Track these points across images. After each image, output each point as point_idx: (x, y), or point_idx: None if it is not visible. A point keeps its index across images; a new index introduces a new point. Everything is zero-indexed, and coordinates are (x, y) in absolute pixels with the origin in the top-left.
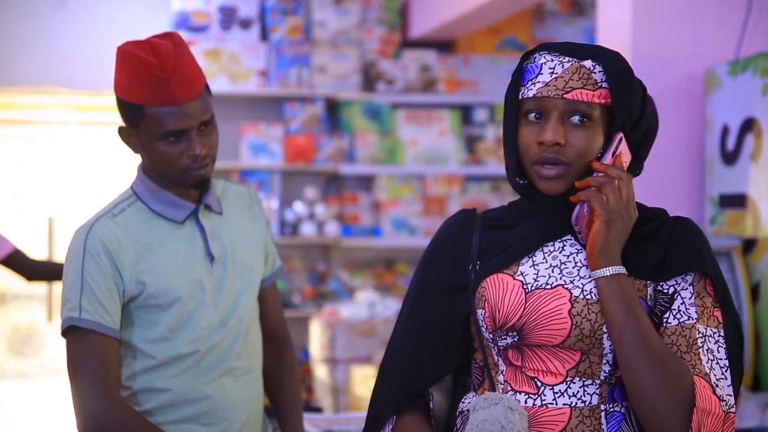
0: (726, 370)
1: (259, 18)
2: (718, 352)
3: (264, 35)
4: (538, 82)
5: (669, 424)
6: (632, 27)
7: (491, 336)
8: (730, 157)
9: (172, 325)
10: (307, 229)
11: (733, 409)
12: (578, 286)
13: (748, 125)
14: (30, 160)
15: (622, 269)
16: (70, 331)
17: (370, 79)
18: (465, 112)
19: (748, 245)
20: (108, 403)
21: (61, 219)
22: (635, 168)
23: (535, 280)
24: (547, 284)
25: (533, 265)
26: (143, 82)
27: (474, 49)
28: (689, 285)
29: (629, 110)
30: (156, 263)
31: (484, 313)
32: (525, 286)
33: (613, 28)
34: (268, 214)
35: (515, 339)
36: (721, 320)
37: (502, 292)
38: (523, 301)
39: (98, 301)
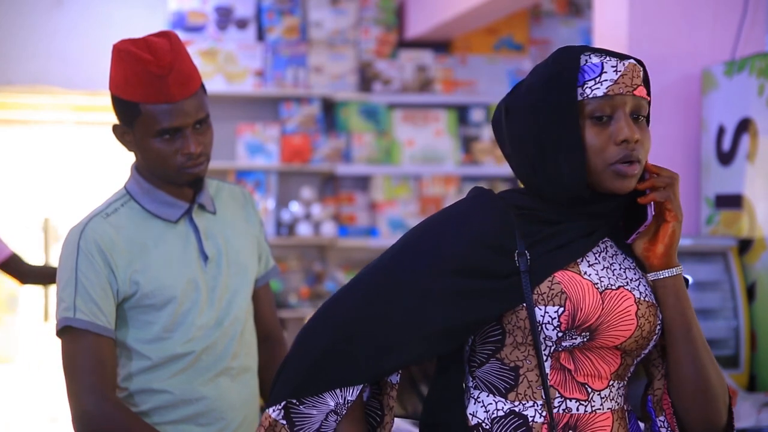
0: None
1: (256, 18)
2: None
3: (260, 35)
4: (605, 80)
5: (723, 411)
6: (628, 27)
7: (559, 335)
8: (726, 158)
9: (167, 325)
10: (304, 230)
11: None
12: (635, 288)
13: (744, 125)
14: (26, 160)
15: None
16: (65, 331)
17: (366, 79)
18: (461, 113)
19: (744, 245)
20: (104, 403)
21: (57, 219)
22: None
23: (600, 281)
24: (611, 285)
25: (590, 265)
26: (139, 80)
27: (471, 49)
28: None
29: None
30: (150, 263)
31: (562, 311)
32: (597, 286)
33: (610, 28)
34: (264, 215)
35: (585, 339)
36: None
37: (581, 291)
38: (600, 301)
39: (92, 301)
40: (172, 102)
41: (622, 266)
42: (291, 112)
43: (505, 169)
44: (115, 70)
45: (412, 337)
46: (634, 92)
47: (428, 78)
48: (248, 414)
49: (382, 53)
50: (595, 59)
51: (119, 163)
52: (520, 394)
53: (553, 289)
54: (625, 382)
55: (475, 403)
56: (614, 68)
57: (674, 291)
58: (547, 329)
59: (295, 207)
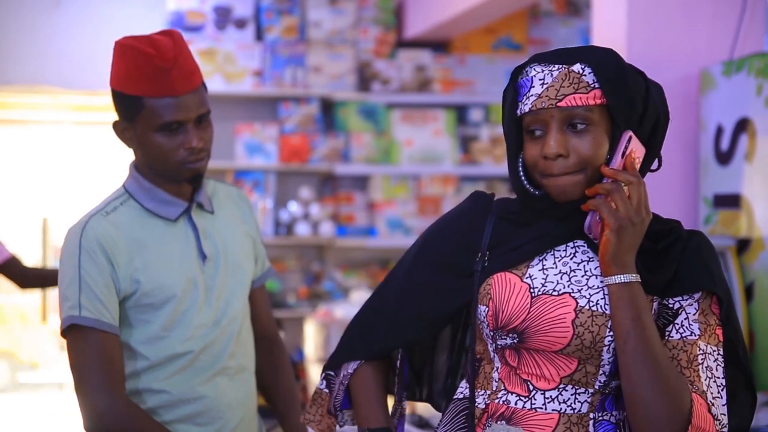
0: (722, 390)
1: (254, 18)
2: (717, 370)
3: (259, 35)
4: (532, 95)
5: None
6: (627, 27)
7: (491, 333)
8: (724, 157)
9: (165, 324)
10: (302, 229)
11: (725, 429)
12: (585, 296)
13: (742, 125)
14: (25, 160)
15: (635, 277)
16: (70, 329)
17: (365, 79)
18: (460, 112)
19: (742, 245)
20: (114, 400)
21: (55, 219)
22: (651, 161)
23: (543, 285)
24: (554, 290)
25: (543, 268)
26: (142, 73)
27: (469, 49)
28: (695, 302)
29: (629, 105)
30: (150, 261)
31: (488, 310)
32: (532, 290)
33: (608, 28)
34: (262, 215)
35: (515, 341)
36: (721, 339)
37: (507, 293)
38: (528, 305)
39: (97, 298)
40: (176, 96)
41: (588, 273)
42: (289, 112)
43: (504, 169)
44: (117, 65)
45: (396, 324)
46: (559, 104)
47: (427, 78)
48: (245, 413)
49: (381, 53)
50: (532, 72)
51: (118, 163)
52: (479, 383)
53: (485, 289)
54: (594, 390)
55: (459, 386)
56: (541, 81)
57: (615, 300)
58: (483, 327)
59: (294, 207)
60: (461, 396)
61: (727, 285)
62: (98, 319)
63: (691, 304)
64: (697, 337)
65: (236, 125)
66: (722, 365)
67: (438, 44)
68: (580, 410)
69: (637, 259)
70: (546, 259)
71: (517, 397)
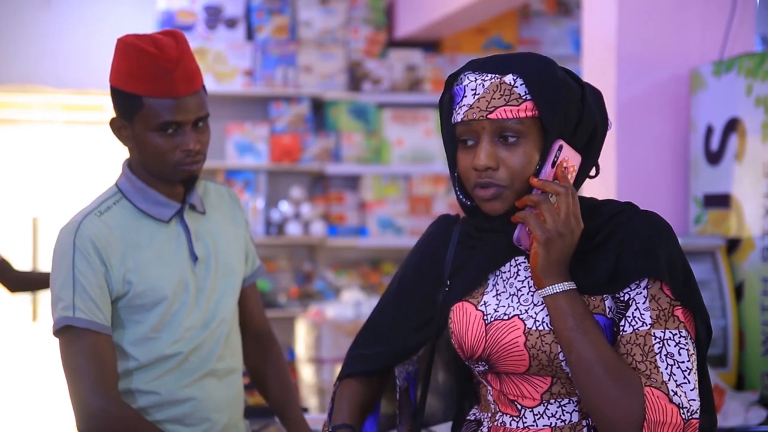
0: (689, 373)
1: (245, 17)
2: (680, 354)
3: (250, 35)
4: (464, 105)
5: None
6: (617, 27)
7: (467, 362)
8: (714, 157)
9: (155, 325)
10: (293, 229)
11: (696, 415)
12: (532, 317)
13: (732, 125)
14: (15, 159)
15: (568, 285)
16: (64, 330)
17: (356, 78)
18: None
19: (732, 245)
20: (108, 403)
21: (45, 219)
22: (588, 168)
23: (495, 311)
24: (505, 315)
25: (496, 294)
26: (145, 73)
27: (460, 48)
28: (643, 289)
29: (563, 116)
30: (142, 262)
31: (455, 342)
32: (485, 317)
33: (599, 28)
34: (253, 214)
35: (486, 368)
36: (683, 318)
37: (465, 324)
38: (484, 333)
39: (91, 299)
40: (177, 97)
41: (531, 290)
42: (280, 112)
43: None
44: (118, 62)
45: (378, 348)
46: (489, 116)
47: (417, 77)
48: (233, 414)
49: (372, 53)
50: (466, 80)
51: (109, 163)
52: (482, 405)
53: (449, 322)
54: (579, 398)
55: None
56: (473, 92)
57: (552, 312)
58: (460, 356)
59: (285, 206)
60: (472, 418)
61: (681, 260)
62: (92, 320)
63: (640, 293)
64: (650, 326)
65: (227, 125)
66: (686, 347)
67: (429, 44)
68: (570, 420)
69: (574, 262)
70: (498, 284)
71: (510, 418)
